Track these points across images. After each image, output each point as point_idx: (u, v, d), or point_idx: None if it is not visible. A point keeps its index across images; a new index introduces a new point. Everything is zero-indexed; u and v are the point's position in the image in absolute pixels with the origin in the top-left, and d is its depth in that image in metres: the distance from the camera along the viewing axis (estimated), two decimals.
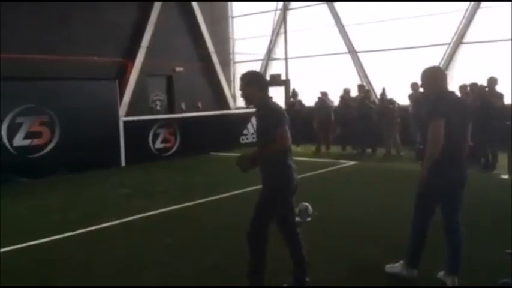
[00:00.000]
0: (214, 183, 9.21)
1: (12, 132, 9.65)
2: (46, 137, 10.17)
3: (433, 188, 3.90)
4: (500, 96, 9.72)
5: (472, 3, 13.97)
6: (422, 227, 4.07)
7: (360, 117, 12.59)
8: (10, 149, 9.61)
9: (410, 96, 11.89)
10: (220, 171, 10.90)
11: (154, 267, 4.80)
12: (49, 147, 10.20)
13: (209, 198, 7.71)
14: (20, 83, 10.21)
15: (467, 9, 14.06)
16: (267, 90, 4.15)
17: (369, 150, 12.70)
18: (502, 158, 9.39)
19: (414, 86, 11.73)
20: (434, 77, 4.08)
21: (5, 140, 9.53)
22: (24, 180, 9.54)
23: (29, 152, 9.89)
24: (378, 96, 13.42)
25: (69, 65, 13.08)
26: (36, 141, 10.01)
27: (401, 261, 4.25)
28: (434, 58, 14.19)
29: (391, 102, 12.39)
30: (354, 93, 13.65)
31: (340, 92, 13.68)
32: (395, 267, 4.29)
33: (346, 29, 16.47)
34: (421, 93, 11.80)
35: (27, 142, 9.89)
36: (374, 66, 15.90)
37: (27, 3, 12.54)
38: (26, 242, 5.61)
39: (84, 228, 6.16)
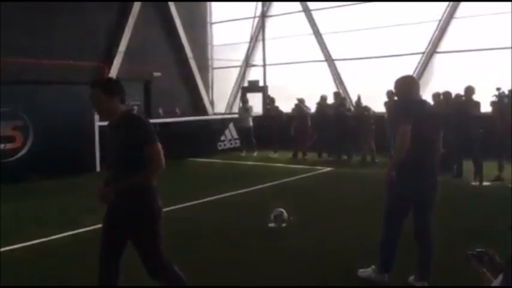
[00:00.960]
0: (188, 190, 9.18)
1: None
2: (19, 142, 9.99)
3: (404, 194, 3.99)
4: (477, 104, 9.92)
5: (446, 13, 14.31)
6: (394, 232, 4.14)
7: (336, 124, 12.73)
8: None
9: (386, 104, 12.08)
10: (196, 177, 10.88)
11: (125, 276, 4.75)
12: (22, 152, 10.02)
13: (184, 204, 7.68)
14: None
15: (440, 20, 14.39)
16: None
17: (345, 157, 12.84)
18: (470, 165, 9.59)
19: (389, 93, 11.91)
20: (407, 85, 4.19)
21: None
22: None
23: (1, 156, 9.69)
24: (354, 103, 13.61)
25: (44, 69, 12.90)
26: (9, 146, 9.83)
27: (373, 266, 4.32)
28: (408, 67, 14.48)
29: (366, 109, 12.57)
30: (330, 100, 13.79)
31: (317, 99, 13.81)
32: (367, 271, 4.36)
33: (324, 37, 16.67)
34: (395, 100, 12.02)
35: (0, 146, 9.70)
36: (350, 74, 16.13)
37: (3, 5, 12.34)
38: None
39: (58, 234, 6.08)
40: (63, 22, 13.82)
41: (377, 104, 12.62)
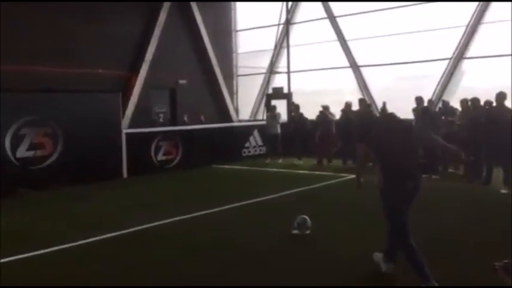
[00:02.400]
0: (213, 196, 9.24)
1: (15, 143, 9.72)
2: (49, 149, 10.24)
3: (394, 198, 4.45)
4: (509, 111, 9.66)
5: (473, 19, 14.06)
6: (402, 239, 4.41)
7: None
8: (13, 160, 9.68)
9: (414, 110, 11.93)
10: (220, 184, 10.94)
11: (148, 281, 4.80)
12: (52, 159, 10.27)
13: (207, 211, 7.73)
14: (24, 95, 10.30)
15: (468, 25, 14.15)
16: None
17: (370, 164, 12.68)
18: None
19: (418, 100, 11.78)
20: (368, 106, 4.87)
21: (8, 151, 9.59)
22: (26, 191, 9.58)
23: (31, 163, 9.95)
24: (379, 110, 13.46)
25: (73, 78, 13.21)
26: (39, 153, 10.09)
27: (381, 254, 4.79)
28: (435, 72, 14.28)
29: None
30: (355, 107, 13.69)
31: (342, 106, 13.73)
32: (378, 256, 4.84)
33: (348, 43, 16.59)
34: (423, 107, 11.85)
35: (31, 153, 9.96)
36: (376, 81, 15.99)
37: (32, 14, 12.71)
38: (24, 253, 5.64)
39: (83, 239, 6.19)
40: (91, 32, 14.13)
41: (403, 110, 12.47)
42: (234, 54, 19.95)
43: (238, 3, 19.67)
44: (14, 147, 9.70)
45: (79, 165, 10.43)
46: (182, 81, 16.80)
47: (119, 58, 14.97)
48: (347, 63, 16.64)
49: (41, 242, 6.03)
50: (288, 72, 17.26)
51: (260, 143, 15.47)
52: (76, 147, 10.47)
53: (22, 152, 9.82)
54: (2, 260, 5.38)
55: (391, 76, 15.29)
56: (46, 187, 9.79)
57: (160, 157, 12.60)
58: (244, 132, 15.28)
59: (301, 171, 12.37)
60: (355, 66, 16.51)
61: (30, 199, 9.13)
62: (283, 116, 16.48)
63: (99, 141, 10.91)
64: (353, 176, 11.19)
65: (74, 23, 13.74)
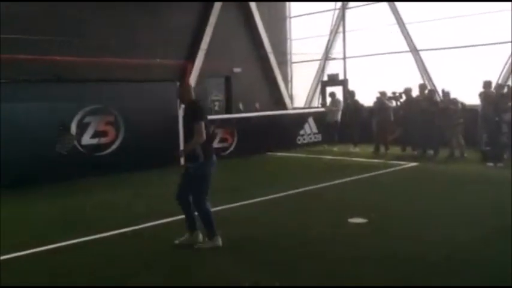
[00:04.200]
0: (269, 183, 9.26)
1: (80, 131, 10.16)
2: (112, 136, 10.63)
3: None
4: None
5: None
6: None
7: (421, 118, 12.21)
8: (78, 147, 10.13)
9: (481, 94, 11.40)
10: (275, 172, 10.94)
11: (207, 265, 4.89)
12: (114, 146, 10.65)
13: (264, 198, 7.76)
14: (87, 85, 10.73)
15: None
16: None
17: (431, 152, 12.29)
18: None
19: (485, 84, 11.24)
20: (191, 91, 5.82)
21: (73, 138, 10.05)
22: (91, 177, 9.99)
23: (95, 150, 10.37)
24: (441, 95, 12.97)
25: (133, 67, 13.62)
26: (102, 140, 10.49)
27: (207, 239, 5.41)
28: (500, 56, 13.55)
29: (454, 102, 11.92)
30: (415, 92, 13.24)
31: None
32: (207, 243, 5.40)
33: (408, 27, 16.04)
34: (487, 91, 11.30)
35: (95, 141, 10.37)
36: (437, 65, 15.39)
37: (96, 10, 13.22)
38: (92, 235, 5.91)
39: (146, 223, 6.39)
40: (149, 23, 14.49)
41: (467, 95, 11.97)
42: (288, 41, 19.82)
43: None
44: (79, 135, 10.13)
45: (139, 152, 10.76)
46: (237, 70, 16.90)
47: (175, 48, 15.28)
48: (406, 48, 16.11)
49: (106, 225, 6.29)
50: (344, 58, 16.96)
51: (315, 130, 15.34)
52: (136, 135, 10.80)
53: (86, 139, 10.24)
54: (73, 241, 5.66)
55: (454, 60, 14.65)
56: (109, 173, 10.17)
57: (216, 144, 12.76)
58: (299, 119, 15.19)
59: (357, 159, 12.16)
60: (414, 51, 15.96)
61: (94, 185, 9.51)
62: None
63: (158, 128, 11.19)
64: (413, 163, 10.98)
65: (135, 16, 14.15)
